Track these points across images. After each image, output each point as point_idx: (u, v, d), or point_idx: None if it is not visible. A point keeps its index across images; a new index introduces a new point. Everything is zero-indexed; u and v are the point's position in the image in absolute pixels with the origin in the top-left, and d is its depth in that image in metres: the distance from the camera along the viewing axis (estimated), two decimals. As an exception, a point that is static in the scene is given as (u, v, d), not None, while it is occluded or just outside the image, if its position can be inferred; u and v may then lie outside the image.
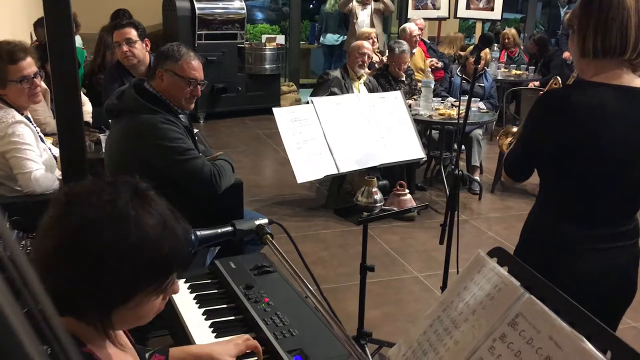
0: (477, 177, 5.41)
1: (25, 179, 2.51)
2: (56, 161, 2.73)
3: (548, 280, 1.16)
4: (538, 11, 11.37)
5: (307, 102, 3.64)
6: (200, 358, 1.41)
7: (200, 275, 1.89)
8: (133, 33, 3.67)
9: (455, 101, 5.26)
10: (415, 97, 5.38)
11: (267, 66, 7.88)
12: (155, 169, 2.38)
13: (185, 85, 2.49)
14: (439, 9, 8.44)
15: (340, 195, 4.93)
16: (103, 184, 1.02)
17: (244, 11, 7.74)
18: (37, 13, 5.36)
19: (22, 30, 5.24)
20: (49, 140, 2.93)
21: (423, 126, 5.29)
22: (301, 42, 10.20)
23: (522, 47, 8.54)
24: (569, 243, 1.73)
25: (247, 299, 1.67)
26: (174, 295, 1.76)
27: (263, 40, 8.23)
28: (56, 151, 2.75)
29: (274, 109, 3.18)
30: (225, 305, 1.72)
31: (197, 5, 7.35)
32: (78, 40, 5.76)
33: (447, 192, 4.37)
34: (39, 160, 2.57)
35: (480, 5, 8.40)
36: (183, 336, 1.61)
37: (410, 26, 6.56)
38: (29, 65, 2.58)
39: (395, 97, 3.97)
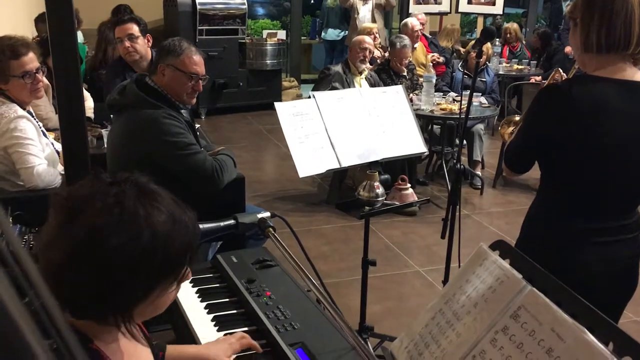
0: (478, 172, 5.41)
1: (28, 174, 2.51)
2: (58, 156, 2.73)
3: (549, 273, 1.16)
4: (540, 6, 11.34)
5: (309, 97, 3.64)
6: (196, 359, 1.41)
7: (202, 269, 1.89)
8: (135, 29, 3.68)
9: (456, 96, 5.25)
10: (416, 92, 5.37)
11: (268, 61, 7.87)
12: (157, 164, 2.39)
13: (187, 80, 2.49)
14: (440, 3, 8.42)
15: (341, 190, 4.94)
16: (105, 184, 0.98)
17: (245, 6, 7.73)
18: (39, 9, 5.35)
19: (24, 26, 5.24)
20: (51, 135, 2.94)
21: (425, 121, 5.29)
22: (302, 38, 10.18)
23: (524, 42, 8.53)
24: (570, 236, 1.73)
25: (249, 293, 1.67)
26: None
27: (264, 36, 8.22)
28: (58, 146, 2.76)
29: (276, 104, 3.19)
30: (227, 299, 1.72)
31: (198, 0, 7.34)
32: (79, 36, 5.76)
33: (449, 187, 4.37)
34: (42, 155, 2.57)
35: (482, 0, 8.38)
36: (185, 330, 1.62)
37: (411, 21, 6.56)
38: (31, 60, 2.58)
39: (396, 92, 3.97)
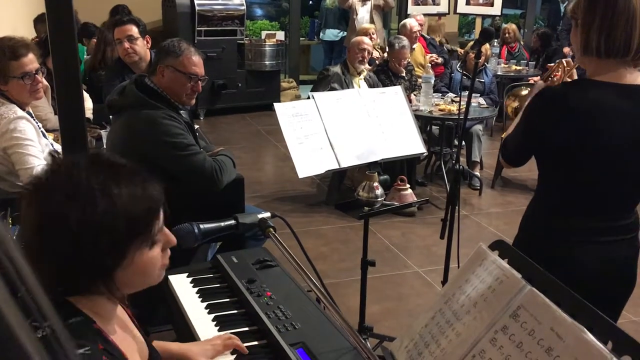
0: (477, 173, 5.42)
1: (27, 175, 2.51)
2: (58, 157, 2.73)
3: (548, 273, 1.17)
4: (538, 7, 11.35)
5: (308, 98, 3.65)
6: (176, 356, 1.42)
7: (202, 269, 1.90)
8: (134, 30, 3.69)
9: (455, 97, 5.26)
10: (415, 92, 5.38)
11: (267, 62, 7.87)
12: (156, 165, 2.39)
13: (186, 80, 2.50)
14: (438, 4, 8.44)
15: (340, 191, 4.94)
16: (61, 163, 1.05)
17: (244, 7, 7.73)
18: (38, 9, 5.35)
19: (24, 27, 5.24)
20: (50, 136, 2.94)
21: (423, 122, 5.29)
22: (301, 38, 10.19)
23: (522, 43, 8.54)
24: (567, 235, 1.73)
25: (249, 293, 1.67)
26: (176, 290, 1.77)
27: (263, 37, 8.22)
28: (58, 147, 2.76)
29: (276, 105, 3.19)
30: (227, 299, 1.72)
31: (196, 1, 7.34)
32: (78, 37, 5.74)
33: (448, 188, 4.37)
34: (41, 156, 2.57)
35: (480, 1, 8.39)
36: (186, 330, 1.62)
37: (410, 22, 6.56)
38: (31, 61, 2.58)
39: (395, 92, 3.98)
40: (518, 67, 7.51)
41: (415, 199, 4.59)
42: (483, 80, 5.64)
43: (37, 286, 0.45)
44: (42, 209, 1.00)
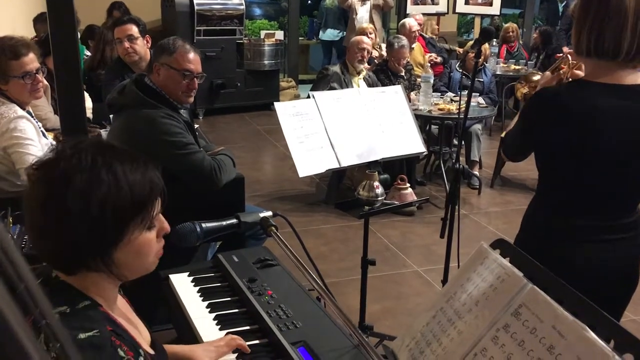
0: (476, 172, 5.42)
1: (28, 174, 2.51)
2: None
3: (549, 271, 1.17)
4: (536, 6, 11.36)
5: (307, 98, 3.65)
6: (180, 358, 1.43)
7: (203, 268, 1.90)
8: (134, 29, 3.69)
9: (454, 96, 5.27)
10: (414, 92, 5.39)
11: (266, 62, 7.87)
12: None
13: (181, 77, 2.49)
14: (437, 4, 8.44)
15: (340, 190, 4.94)
16: (65, 148, 1.08)
17: (243, 7, 7.73)
18: (38, 9, 5.35)
19: (24, 26, 5.23)
20: (50, 136, 2.93)
21: (422, 121, 5.30)
22: (300, 38, 10.19)
23: (521, 42, 8.55)
24: (568, 234, 1.74)
25: (250, 292, 1.68)
26: (177, 289, 1.77)
27: (262, 36, 8.22)
28: (58, 146, 2.75)
29: (276, 104, 3.19)
30: (229, 298, 1.73)
31: (195, 1, 7.34)
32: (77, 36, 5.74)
33: (447, 187, 4.38)
34: (41, 155, 2.57)
35: (479, 1, 8.40)
36: (187, 329, 1.62)
37: (409, 21, 6.57)
38: (31, 61, 2.58)
39: (395, 92, 3.98)
40: (517, 67, 7.51)
41: (415, 198, 4.60)
42: (482, 80, 5.64)
43: (36, 285, 0.45)
44: (47, 183, 1.03)
